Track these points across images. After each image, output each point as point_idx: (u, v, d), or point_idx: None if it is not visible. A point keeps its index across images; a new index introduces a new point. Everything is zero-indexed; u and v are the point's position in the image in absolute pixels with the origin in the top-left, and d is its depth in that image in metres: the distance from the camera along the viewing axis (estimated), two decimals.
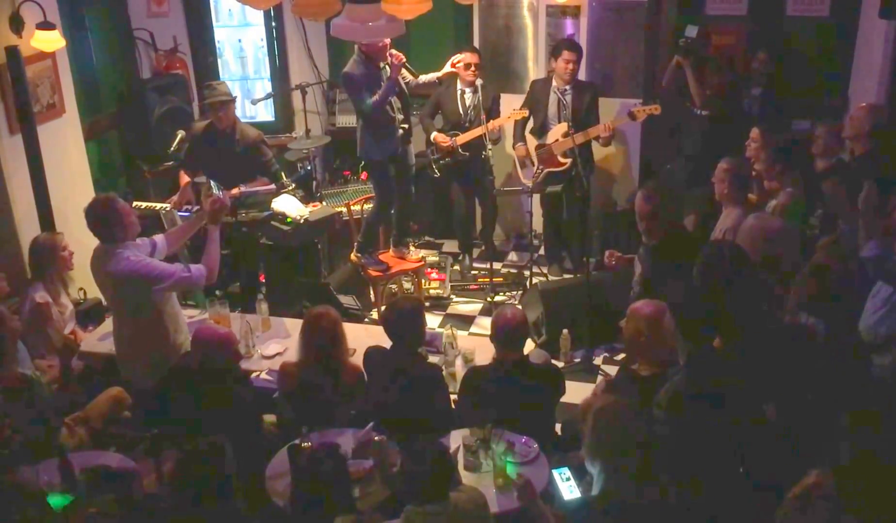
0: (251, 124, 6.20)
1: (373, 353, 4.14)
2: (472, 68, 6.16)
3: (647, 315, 3.78)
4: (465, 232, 6.97)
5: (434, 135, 6.35)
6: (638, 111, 5.90)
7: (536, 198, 6.44)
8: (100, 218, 4.17)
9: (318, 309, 4.14)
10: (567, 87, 6.20)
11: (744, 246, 4.14)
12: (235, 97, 5.86)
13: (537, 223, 6.84)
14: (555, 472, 3.29)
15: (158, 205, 5.81)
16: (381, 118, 5.66)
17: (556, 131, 6.19)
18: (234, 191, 5.53)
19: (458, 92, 6.31)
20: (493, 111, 6.30)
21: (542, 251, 7.03)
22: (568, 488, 3.19)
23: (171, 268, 4.25)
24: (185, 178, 6.00)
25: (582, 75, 6.48)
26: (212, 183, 4.61)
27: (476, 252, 7.17)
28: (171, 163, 6.36)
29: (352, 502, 3.14)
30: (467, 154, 6.28)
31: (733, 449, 3.29)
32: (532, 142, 6.38)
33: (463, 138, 6.25)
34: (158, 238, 4.47)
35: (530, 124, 6.46)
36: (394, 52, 5.52)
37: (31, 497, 3.08)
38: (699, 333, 3.44)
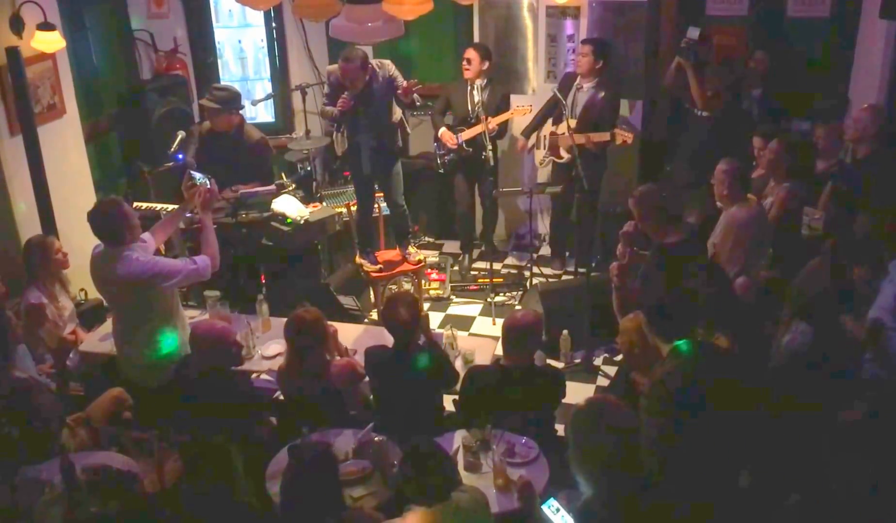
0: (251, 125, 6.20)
1: (373, 352, 4.15)
2: (466, 62, 6.29)
3: (637, 327, 3.83)
4: (467, 227, 7.00)
5: (441, 132, 6.46)
6: (617, 133, 6.03)
7: (536, 198, 6.45)
8: (108, 221, 4.16)
9: (299, 310, 4.12)
10: (586, 85, 6.25)
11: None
12: (240, 107, 5.81)
13: (537, 224, 6.86)
14: (544, 508, 3.23)
15: (159, 206, 5.80)
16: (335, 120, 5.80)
17: (565, 126, 6.22)
18: (229, 193, 5.53)
19: (468, 89, 6.40)
20: (500, 109, 6.35)
21: (542, 251, 7.05)
22: (561, 518, 3.14)
23: (180, 263, 4.27)
24: None
25: None
26: (192, 173, 4.58)
27: (476, 252, 7.19)
28: (171, 163, 6.36)
29: (341, 502, 3.12)
30: (470, 150, 6.39)
31: (721, 440, 3.27)
32: (549, 128, 6.48)
33: (466, 135, 6.36)
34: (146, 235, 4.45)
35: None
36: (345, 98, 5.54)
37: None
38: (672, 331, 3.44)
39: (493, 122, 6.15)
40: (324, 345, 4.04)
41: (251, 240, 5.72)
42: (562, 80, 6.49)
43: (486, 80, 6.37)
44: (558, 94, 6.05)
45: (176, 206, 5.60)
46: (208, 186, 4.55)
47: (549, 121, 6.49)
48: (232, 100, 5.76)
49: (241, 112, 5.94)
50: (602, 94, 6.21)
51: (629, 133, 6.02)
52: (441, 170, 6.60)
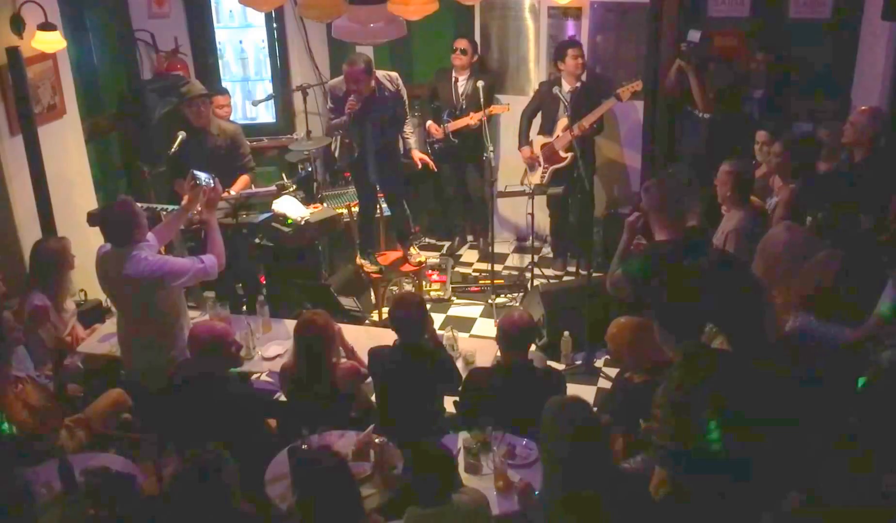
0: (250, 126, 6.20)
1: (378, 352, 4.14)
2: (461, 52, 6.53)
3: (624, 336, 3.89)
4: (454, 212, 7.23)
5: (428, 124, 6.71)
6: (622, 91, 6.00)
7: (537, 199, 6.46)
8: (119, 221, 4.16)
9: (309, 312, 4.14)
10: (570, 86, 6.29)
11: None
12: (210, 92, 5.84)
13: (538, 224, 6.84)
14: None
15: (159, 207, 5.79)
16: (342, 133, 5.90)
17: (558, 127, 6.33)
18: (226, 193, 5.52)
19: (453, 79, 6.64)
20: (481, 100, 6.39)
21: (543, 253, 7.04)
22: None
23: (188, 262, 4.26)
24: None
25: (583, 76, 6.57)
26: (196, 173, 4.58)
27: (475, 254, 7.20)
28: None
29: (359, 505, 3.10)
30: (456, 141, 6.64)
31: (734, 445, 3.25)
32: (539, 142, 6.48)
33: (452, 126, 6.58)
34: (148, 235, 4.44)
35: (537, 124, 6.57)
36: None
37: None
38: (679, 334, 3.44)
39: (476, 118, 6.32)
40: (332, 348, 4.03)
41: (252, 242, 5.71)
42: (541, 90, 6.54)
43: (469, 73, 6.59)
44: (559, 93, 6.10)
45: (176, 207, 5.62)
46: (212, 186, 4.54)
47: (536, 138, 6.51)
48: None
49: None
50: (584, 87, 6.35)
51: (634, 82, 5.95)
52: (431, 158, 6.79)
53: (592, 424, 2.97)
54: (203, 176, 4.57)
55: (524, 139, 6.56)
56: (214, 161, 5.51)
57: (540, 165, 6.45)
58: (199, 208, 4.62)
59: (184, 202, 4.64)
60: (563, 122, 6.26)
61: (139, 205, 5.66)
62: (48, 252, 4.85)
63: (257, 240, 5.71)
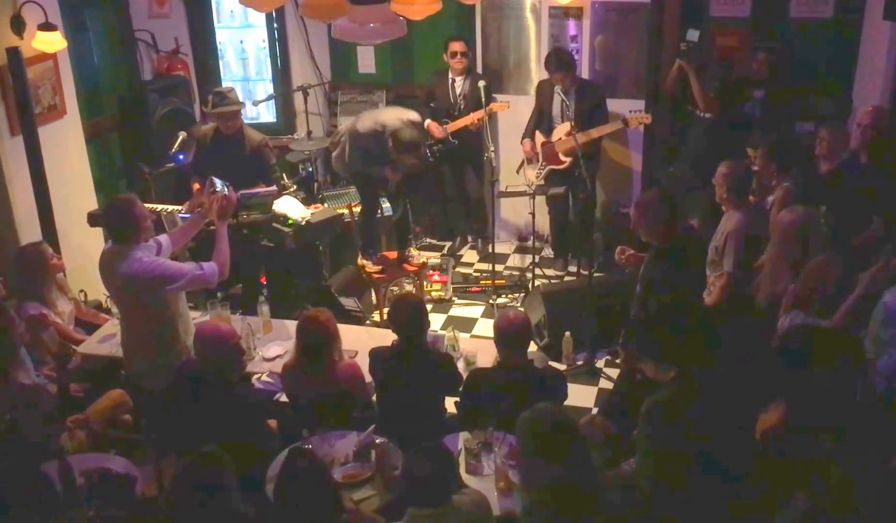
0: (253, 126, 6.20)
1: (378, 353, 4.13)
2: (458, 56, 6.49)
3: None
4: (455, 214, 7.23)
5: (427, 122, 6.53)
6: (631, 119, 6.03)
7: (539, 200, 6.45)
8: (121, 217, 4.15)
9: (311, 311, 4.14)
10: (570, 89, 6.24)
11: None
12: (245, 103, 5.84)
13: (539, 225, 6.84)
14: None
15: (160, 207, 5.79)
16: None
17: (560, 130, 6.31)
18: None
19: (450, 80, 6.62)
20: (477, 100, 6.40)
21: (544, 253, 7.04)
22: None
23: (185, 266, 4.24)
24: (197, 184, 5.98)
25: (585, 76, 6.56)
26: (215, 180, 4.58)
27: (475, 255, 7.20)
28: (171, 164, 6.35)
29: (335, 508, 3.09)
30: (456, 142, 6.58)
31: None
32: (539, 138, 6.48)
33: (452, 126, 6.54)
34: (162, 238, 4.44)
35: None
36: None
37: None
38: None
39: (474, 117, 6.32)
40: (334, 346, 4.03)
41: (252, 242, 5.71)
42: (541, 88, 6.52)
43: (466, 73, 6.57)
44: (560, 94, 6.08)
45: (176, 207, 5.63)
46: (226, 194, 4.54)
47: (536, 134, 6.49)
48: (237, 97, 5.77)
49: None
50: (585, 91, 6.30)
51: (644, 115, 6.01)
52: (430, 159, 6.69)
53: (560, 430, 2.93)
54: (219, 183, 4.58)
55: (528, 133, 6.55)
56: (233, 166, 5.51)
57: (538, 161, 6.44)
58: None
59: (189, 203, 4.63)
60: (564, 126, 6.20)
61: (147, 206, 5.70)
62: (26, 257, 4.84)
63: (265, 242, 5.70)
